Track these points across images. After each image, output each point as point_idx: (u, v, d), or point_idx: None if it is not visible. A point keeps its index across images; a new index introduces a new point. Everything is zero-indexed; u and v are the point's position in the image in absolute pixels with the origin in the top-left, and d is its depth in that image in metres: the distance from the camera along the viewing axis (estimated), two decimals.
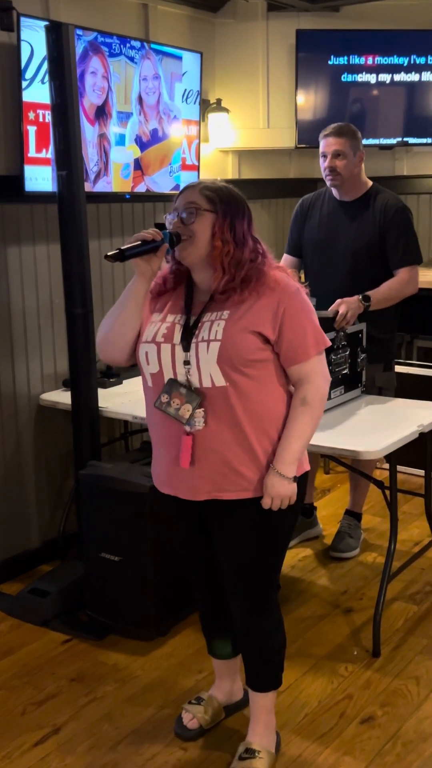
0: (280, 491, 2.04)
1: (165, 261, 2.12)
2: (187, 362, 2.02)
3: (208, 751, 2.41)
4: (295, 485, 2.06)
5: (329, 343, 2.10)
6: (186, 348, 2.02)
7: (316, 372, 2.07)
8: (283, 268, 2.12)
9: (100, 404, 3.22)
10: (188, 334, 2.03)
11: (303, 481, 2.16)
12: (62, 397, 3.43)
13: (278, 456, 2.05)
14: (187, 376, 2.03)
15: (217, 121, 4.45)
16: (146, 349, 2.09)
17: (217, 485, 2.07)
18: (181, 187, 2.12)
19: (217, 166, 4.62)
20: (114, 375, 3.63)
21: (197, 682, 2.72)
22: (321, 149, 3.33)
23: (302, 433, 2.06)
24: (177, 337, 2.05)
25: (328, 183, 3.36)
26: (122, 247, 2.02)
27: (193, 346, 2.01)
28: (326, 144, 3.30)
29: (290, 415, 2.07)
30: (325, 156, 3.31)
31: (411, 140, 4.71)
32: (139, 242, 2.03)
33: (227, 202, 2.04)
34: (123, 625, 3.00)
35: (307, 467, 2.18)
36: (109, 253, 2.01)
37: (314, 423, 2.08)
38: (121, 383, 3.62)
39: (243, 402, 2.01)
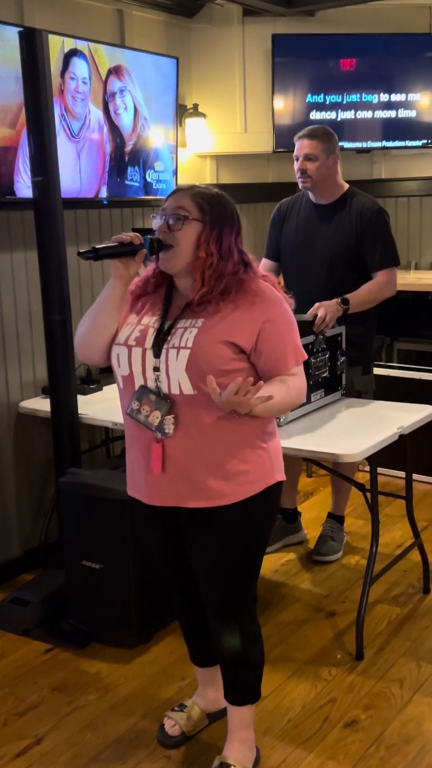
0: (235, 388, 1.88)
1: (145, 264, 2.09)
2: (156, 368, 2.00)
3: (191, 759, 2.39)
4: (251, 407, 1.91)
5: (306, 356, 2.10)
6: (156, 354, 2.00)
7: (297, 376, 2.05)
8: (269, 277, 2.09)
9: (80, 411, 3.20)
10: (160, 340, 2.01)
11: (277, 491, 2.14)
12: (41, 405, 3.41)
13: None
14: (156, 382, 2.00)
15: (195, 126, 4.45)
16: (118, 351, 2.07)
17: (182, 493, 2.05)
18: (174, 188, 2.09)
19: (195, 171, 4.62)
20: (94, 381, 3.61)
21: (180, 689, 2.71)
22: (294, 152, 3.34)
23: (272, 391, 1.92)
24: (149, 341, 2.02)
25: (300, 185, 3.37)
26: (97, 246, 1.99)
27: (163, 352, 1.99)
28: (299, 146, 3.31)
29: (267, 382, 1.98)
30: (297, 158, 3.32)
31: (388, 144, 4.74)
32: (116, 244, 2.00)
33: (217, 213, 1.99)
34: (105, 633, 2.99)
35: (280, 477, 2.14)
36: (82, 251, 1.98)
37: (283, 401, 1.99)
38: (101, 389, 3.60)
39: (212, 411, 1.97)
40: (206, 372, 1.93)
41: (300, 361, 2.06)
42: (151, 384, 2.02)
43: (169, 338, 2.00)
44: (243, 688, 2.28)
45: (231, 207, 2.04)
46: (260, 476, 2.08)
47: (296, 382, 2.04)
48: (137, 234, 2.02)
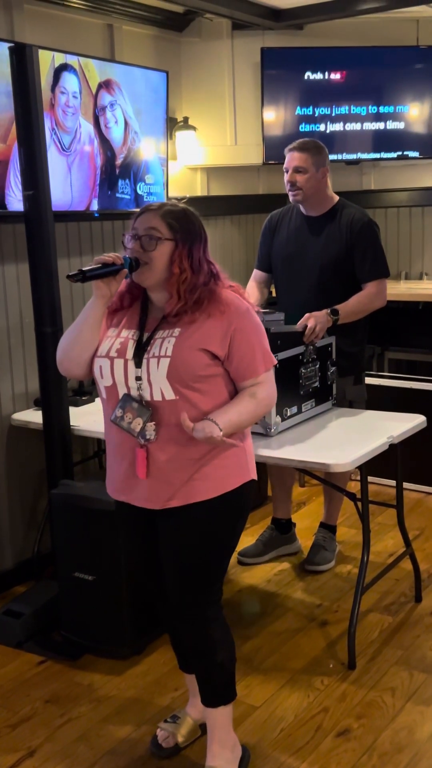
0: (212, 430, 2.02)
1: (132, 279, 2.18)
2: (138, 378, 2.08)
3: None
4: (219, 432, 2.02)
5: (275, 362, 2.20)
6: (138, 364, 2.09)
7: (266, 383, 2.15)
8: (236, 287, 2.18)
9: (72, 423, 3.21)
10: (140, 351, 2.09)
11: (251, 489, 2.22)
12: (34, 417, 3.42)
13: (215, 413, 2.06)
14: (138, 390, 2.09)
15: (185, 139, 4.48)
16: (100, 363, 2.15)
17: (170, 494, 2.12)
18: (142, 208, 2.16)
19: (185, 184, 4.65)
20: (86, 393, 3.62)
21: (173, 700, 2.71)
22: (285, 164, 3.36)
23: (242, 412, 2.10)
24: (130, 352, 2.11)
25: (290, 198, 3.40)
26: (84, 269, 2.08)
27: (144, 362, 2.08)
28: (289, 159, 3.34)
29: (235, 398, 2.13)
30: (287, 170, 3.35)
31: (377, 155, 4.77)
32: (100, 265, 2.09)
33: (186, 230, 2.09)
34: (98, 644, 2.99)
35: (254, 476, 2.23)
36: (70, 273, 2.07)
37: (253, 415, 2.13)
38: (93, 401, 3.61)
39: (193, 414, 2.06)
40: (186, 378, 2.05)
41: (269, 366, 2.16)
42: (134, 393, 2.10)
43: (149, 348, 2.09)
44: (214, 688, 2.29)
45: (198, 222, 2.14)
46: (236, 472, 2.17)
47: (264, 391, 2.14)
48: (118, 255, 2.10)
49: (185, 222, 2.10)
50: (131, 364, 2.09)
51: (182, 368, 2.04)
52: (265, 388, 2.15)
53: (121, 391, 2.11)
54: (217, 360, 2.09)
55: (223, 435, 2.04)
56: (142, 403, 2.08)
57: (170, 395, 2.06)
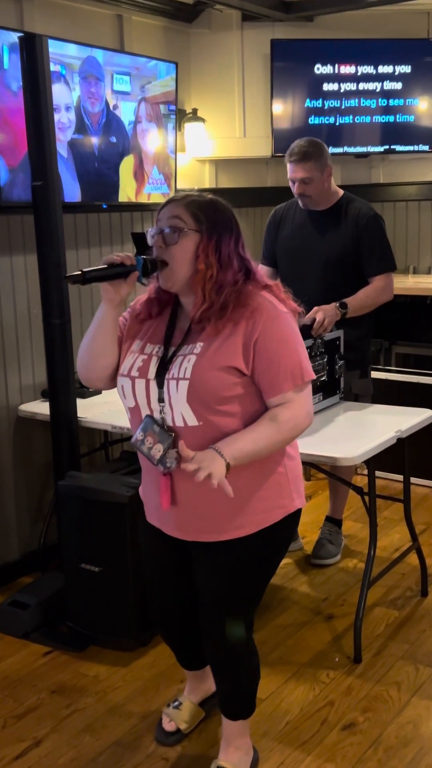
0: (211, 464, 1.79)
1: (144, 284, 1.97)
2: (161, 399, 1.90)
3: (189, 763, 2.40)
4: (225, 469, 1.81)
5: (312, 376, 1.92)
6: (160, 384, 1.90)
7: (295, 402, 1.90)
8: (274, 286, 1.96)
9: (79, 414, 3.21)
10: (162, 370, 1.90)
11: (295, 519, 2.07)
12: (41, 408, 3.42)
13: (225, 441, 1.84)
14: (161, 413, 1.91)
15: (194, 131, 4.47)
16: (122, 382, 1.98)
17: (195, 527, 1.99)
18: (168, 198, 1.97)
19: (193, 176, 4.63)
20: None
21: (179, 692, 2.71)
22: (288, 174, 3.33)
23: (257, 440, 1.85)
24: (152, 372, 1.92)
25: (300, 204, 3.39)
26: (84, 269, 1.88)
27: (165, 382, 1.89)
28: (293, 170, 3.30)
29: (255, 423, 1.89)
30: (293, 181, 3.32)
31: (387, 148, 4.75)
32: (105, 266, 1.89)
33: (214, 221, 1.89)
34: (104, 636, 2.99)
35: (300, 504, 2.04)
36: (68, 275, 1.88)
37: (274, 441, 1.88)
38: (100, 393, 3.60)
39: (219, 441, 1.84)
40: (209, 401, 1.84)
41: (299, 382, 1.89)
42: (157, 415, 1.92)
43: (170, 367, 1.90)
44: (237, 705, 2.26)
45: (228, 212, 1.94)
46: (277, 503, 1.99)
47: (289, 413, 1.87)
48: (129, 255, 1.91)
49: (213, 212, 1.89)
50: (153, 385, 1.89)
51: (202, 391, 1.83)
52: (291, 409, 1.87)
53: (144, 413, 1.93)
54: (246, 377, 1.86)
55: (234, 466, 1.80)
56: (164, 427, 1.89)
57: (192, 421, 1.85)
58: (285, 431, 1.89)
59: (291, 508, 2.02)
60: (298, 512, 2.06)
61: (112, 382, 2.05)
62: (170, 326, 1.97)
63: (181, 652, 2.44)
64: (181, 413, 1.87)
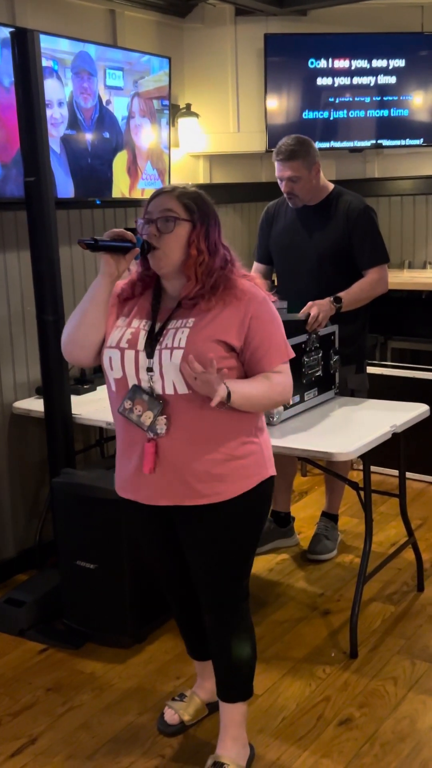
0: (211, 378, 1.93)
1: (129, 266, 2.10)
2: (150, 369, 2.02)
3: (186, 758, 2.40)
4: (225, 393, 1.94)
5: (293, 354, 2.13)
6: (149, 355, 2.02)
7: (282, 374, 2.09)
8: (250, 276, 2.12)
9: (73, 411, 3.20)
10: (152, 341, 2.03)
11: (270, 485, 2.17)
12: (35, 405, 3.41)
13: (233, 381, 1.99)
14: (150, 382, 2.02)
15: (187, 126, 4.45)
16: (110, 354, 2.08)
17: (178, 492, 2.07)
18: (155, 191, 2.09)
19: (188, 171, 4.62)
20: (87, 381, 3.61)
21: (175, 688, 2.71)
22: (276, 172, 3.31)
23: (254, 387, 2.02)
24: (141, 343, 2.04)
25: (289, 203, 3.38)
26: (97, 238, 2.01)
27: (156, 353, 2.01)
28: (280, 169, 3.28)
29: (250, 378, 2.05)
30: (281, 180, 3.31)
31: (381, 143, 4.74)
32: (114, 238, 2.02)
33: (203, 211, 2.04)
34: (100, 633, 2.99)
35: (272, 472, 2.18)
36: (82, 239, 1.98)
37: (265, 395, 2.04)
38: (94, 390, 3.60)
39: (206, 408, 1.98)
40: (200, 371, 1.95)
41: (286, 358, 2.09)
42: (144, 385, 2.03)
43: (161, 339, 2.02)
44: (235, 685, 2.29)
45: (212, 204, 2.08)
46: (254, 471, 2.11)
47: (280, 378, 2.07)
48: (131, 233, 2.03)
49: (201, 203, 2.04)
50: (142, 355, 2.02)
51: (197, 358, 1.95)
52: (281, 377, 2.07)
53: (131, 383, 2.05)
54: (233, 352, 2.02)
55: (231, 404, 1.96)
56: (153, 395, 2.02)
57: (183, 389, 1.99)
58: (275, 393, 2.06)
59: (265, 475, 2.14)
60: (272, 480, 2.18)
61: (96, 359, 2.13)
62: (155, 305, 2.10)
63: (189, 634, 2.46)
64: (173, 381, 2.00)
